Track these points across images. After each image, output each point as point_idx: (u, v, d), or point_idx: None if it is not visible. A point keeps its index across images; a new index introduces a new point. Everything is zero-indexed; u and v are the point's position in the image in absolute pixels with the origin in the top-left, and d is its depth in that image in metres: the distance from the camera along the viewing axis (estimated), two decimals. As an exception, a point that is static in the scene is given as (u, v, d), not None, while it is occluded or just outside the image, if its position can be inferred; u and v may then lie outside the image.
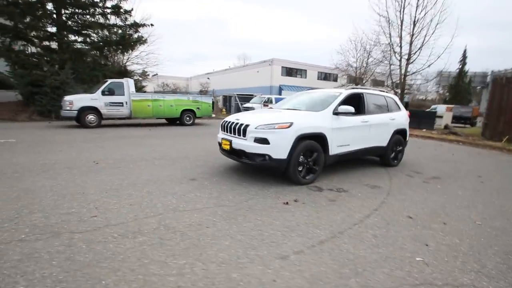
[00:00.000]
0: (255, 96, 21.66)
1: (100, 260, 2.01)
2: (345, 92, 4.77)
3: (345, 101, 4.62)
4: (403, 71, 17.14)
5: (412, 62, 16.77)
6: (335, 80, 33.97)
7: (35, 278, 1.77)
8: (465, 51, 38.05)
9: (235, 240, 2.40)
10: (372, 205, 3.42)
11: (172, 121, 12.91)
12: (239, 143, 4.01)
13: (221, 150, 4.68)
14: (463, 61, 38.49)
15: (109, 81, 10.62)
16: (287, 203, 3.33)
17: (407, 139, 6.02)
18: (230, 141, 4.13)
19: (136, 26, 16.52)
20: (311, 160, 4.11)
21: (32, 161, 4.71)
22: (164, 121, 13.29)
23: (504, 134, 10.40)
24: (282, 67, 30.18)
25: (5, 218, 2.57)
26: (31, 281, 1.75)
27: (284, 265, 2.07)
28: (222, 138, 4.40)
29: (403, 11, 15.96)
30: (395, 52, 17.20)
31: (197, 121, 13.25)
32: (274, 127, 3.80)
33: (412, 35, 16.16)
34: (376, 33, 18.51)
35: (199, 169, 4.73)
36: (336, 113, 4.37)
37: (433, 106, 33.51)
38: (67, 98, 9.82)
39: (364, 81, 27.87)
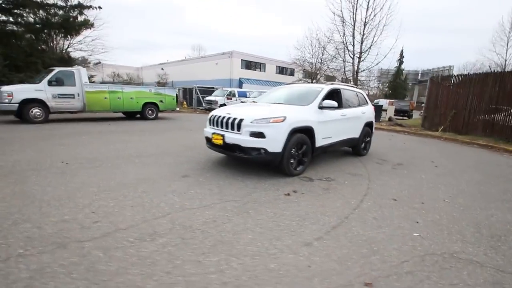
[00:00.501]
0: (217, 89, 21.27)
1: (128, 267, 1.88)
2: (326, 88, 5.07)
3: (327, 96, 4.92)
4: (355, 68, 18.61)
5: (363, 60, 18.32)
6: (292, 74, 35.20)
7: (63, 294, 1.59)
8: (402, 51, 42.82)
9: (256, 233, 2.45)
10: (360, 191, 3.78)
11: (130, 116, 12.00)
12: (233, 137, 4.00)
13: (209, 145, 4.60)
14: (400, 60, 43.40)
15: (57, 69, 9.34)
16: (288, 194, 3.47)
17: (373, 131, 6.68)
18: (223, 136, 4.09)
19: (80, 7, 14.71)
20: (301, 152, 4.32)
21: (-19, 164, 3.98)
22: (121, 115, 12.25)
23: (440, 124, 12.17)
24: (242, 60, 30.06)
25: (-15, 234, 2.18)
26: (60, 298, 1.56)
27: (312, 251, 2.21)
28: (212, 133, 4.31)
29: (356, 12, 17.28)
30: (348, 50, 18.56)
31: (160, 115, 12.54)
32: (269, 121, 3.88)
33: (363, 35, 17.61)
34: (331, 31, 19.72)
35: (186, 165, 4.57)
36: (321, 107, 4.64)
37: (376, 101, 37.40)
38: (5, 88, 8.37)
39: (318, 76, 29.49)
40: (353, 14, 17.33)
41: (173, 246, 2.16)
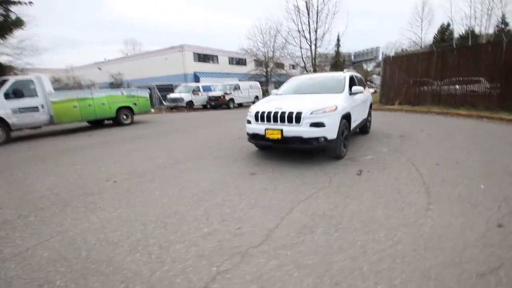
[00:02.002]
0: (180, 85, 20.23)
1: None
2: (347, 75, 5.53)
3: (350, 83, 5.38)
4: (313, 55, 19.78)
5: (319, 47, 19.57)
6: (244, 64, 35.32)
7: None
8: (338, 35, 46.52)
9: (383, 208, 2.76)
10: (405, 161, 4.37)
11: (97, 124, 10.78)
12: (292, 130, 4.16)
13: (256, 140, 4.68)
14: (338, 43, 47.23)
15: (11, 79, 7.83)
16: (359, 174, 3.86)
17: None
18: (281, 130, 4.21)
19: (6, 3, 12.26)
20: (343, 136, 4.72)
21: (17, 196, 3.36)
22: (83, 124, 10.91)
23: (395, 99, 13.99)
24: (194, 53, 28.83)
25: None
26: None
27: (436, 214, 2.63)
28: (265, 129, 4.38)
29: (310, 1, 18.19)
30: (305, 38, 19.55)
31: (136, 118, 11.57)
32: (325, 111, 4.15)
33: (317, 23, 18.73)
34: (286, 19, 20.42)
35: (237, 163, 4.57)
36: (351, 93, 5.08)
37: None
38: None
39: (271, 65, 30.31)
40: (307, 4, 18.22)
41: (342, 231, 2.34)
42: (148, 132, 8.70)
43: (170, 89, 21.49)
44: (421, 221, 2.50)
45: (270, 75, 30.07)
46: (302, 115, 4.11)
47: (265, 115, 4.44)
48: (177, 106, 18.00)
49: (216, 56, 31.87)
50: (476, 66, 10.92)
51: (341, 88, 5.08)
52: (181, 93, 18.05)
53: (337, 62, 47.62)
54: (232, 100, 18.38)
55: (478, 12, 44.88)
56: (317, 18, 18.61)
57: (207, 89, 19.59)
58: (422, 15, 44.49)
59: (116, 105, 10.34)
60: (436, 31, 46.36)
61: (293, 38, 20.55)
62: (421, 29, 46.62)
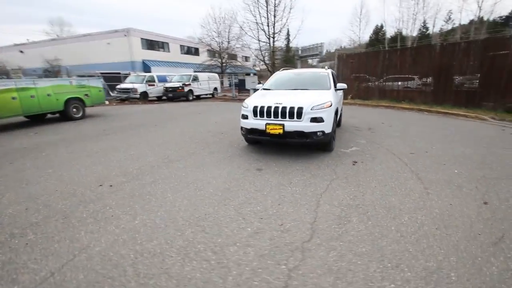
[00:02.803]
0: (130, 74, 18.43)
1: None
2: (329, 72, 5.87)
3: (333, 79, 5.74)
4: (271, 48, 20.14)
5: (277, 40, 20.00)
6: (197, 54, 33.96)
7: None
8: (288, 30, 48.07)
9: (400, 194, 3.13)
10: (386, 151, 4.94)
11: (36, 119, 9.21)
12: (294, 125, 4.29)
13: (254, 135, 4.70)
14: (288, 38, 48.87)
15: None
16: (355, 163, 4.23)
17: (340, 104, 8.09)
18: (283, 125, 4.30)
19: None
20: (333, 130, 5.06)
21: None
22: (26, 119, 9.25)
23: (348, 94, 15.31)
24: (142, 39, 26.35)
25: None
26: None
27: (436, 197, 3.10)
28: (266, 124, 4.41)
29: (267, -6, 18.32)
30: (264, 31, 19.72)
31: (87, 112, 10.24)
32: (323, 107, 4.39)
33: (275, 16, 19.06)
34: (244, 9, 20.22)
35: (237, 160, 4.52)
36: (336, 89, 5.44)
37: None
38: None
39: (225, 55, 29.81)
40: (265, -4, 18.33)
41: (374, 219, 2.58)
42: (112, 127, 7.82)
43: (118, 78, 19.47)
44: (428, 204, 2.92)
45: (225, 66, 29.57)
46: (303, 110, 4.27)
47: (265, 110, 4.47)
48: (129, 98, 16.45)
49: (167, 44, 29.84)
50: (415, 65, 12.66)
51: (328, 85, 5.40)
52: (133, 84, 16.51)
53: (287, 57, 49.50)
54: (191, 91, 17.62)
55: (405, 16, 51.32)
56: (274, 11, 18.93)
57: (162, 79, 18.34)
58: (360, 15, 48.91)
59: (64, 97, 8.97)
60: (371, 32, 51.61)
61: (251, 30, 20.55)
62: (359, 29, 51.28)
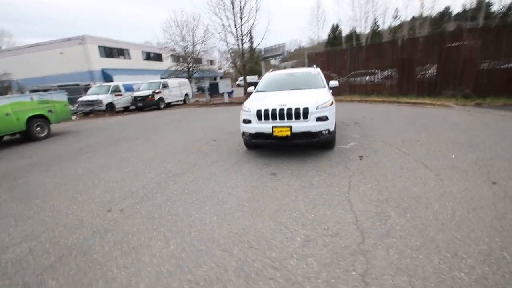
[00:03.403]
0: (93, 85, 17.04)
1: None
2: (318, 71, 5.99)
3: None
4: (241, 50, 20.08)
5: (244, 43, 19.98)
6: (160, 59, 32.66)
7: None
8: (250, 31, 48.42)
9: (420, 184, 3.26)
10: (382, 144, 5.16)
11: None
12: (301, 125, 4.28)
13: (257, 140, 4.58)
14: (251, 40, 49.24)
15: None
16: (361, 158, 4.35)
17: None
18: (290, 127, 4.26)
19: None
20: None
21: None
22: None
23: (321, 90, 15.85)
24: (100, 46, 24.50)
25: None
26: None
27: (451, 182, 3.30)
28: (273, 127, 4.33)
29: (232, -4, 18.23)
30: (232, 34, 19.58)
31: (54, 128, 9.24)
32: (326, 105, 4.44)
33: (241, 19, 19.04)
34: (208, 11, 19.90)
35: (245, 166, 4.38)
36: (329, 88, 5.55)
37: (240, 78, 42.46)
38: None
39: (191, 61, 29.03)
40: (230, -2, 18.22)
41: (409, 211, 2.65)
42: (88, 145, 7.12)
43: (76, 90, 17.94)
44: (448, 190, 3.08)
45: (192, 71, 28.83)
46: (309, 110, 4.27)
47: (270, 112, 4.39)
48: (93, 111, 15.21)
49: (128, 50, 28.20)
50: (380, 60, 13.53)
51: (322, 84, 5.50)
52: (98, 95, 15.30)
53: (252, 57, 49.89)
54: (162, 99, 16.84)
55: (358, 15, 54.74)
56: (241, 14, 18.90)
57: (128, 88, 17.28)
58: (317, 15, 51.11)
59: (25, 115, 7.97)
60: (329, 30, 54.21)
61: (218, 32, 20.27)
62: (318, 28, 53.57)
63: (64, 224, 2.91)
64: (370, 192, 3.15)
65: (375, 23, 48.76)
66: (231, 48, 21.29)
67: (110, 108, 15.75)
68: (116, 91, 16.16)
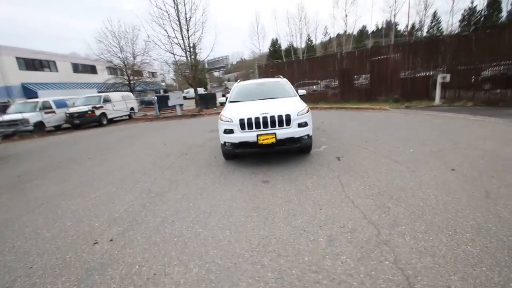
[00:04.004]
0: (11, 103, 14.37)
1: (426, 219, 2.60)
2: (286, 80, 6.29)
3: (291, 87, 6.18)
4: (190, 62, 19.64)
5: (193, 54, 19.65)
6: (94, 72, 29.68)
7: None
8: (193, 44, 47.89)
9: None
10: (352, 146, 5.68)
11: None
12: (285, 132, 4.41)
13: (241, 149, 4.55)
14: (195, 52, 48.67)
15: None
16: (339, 159, 4.70)
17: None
18: (275, 134, 4.35)
19: None
20: (306, 132, 5.45)
21: None
22: None
23: (273, 100, 16.57)
24: (18, 58, 20.86)
25: None
26: None
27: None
28: (257, 135, 4.35)
29: (178, 8, 17.84)
30: (179, 45, 19.04)
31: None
32: (304, 112, 4.68)
33: (188, 30, 18.75)
34: (150, 22, 19.04)
35: (232, 176, 4.28)
36: (299, 96, 5.87)
37: (185, 90, 41.64)
38: None
39: (131, 72, 27.18)
40: (175, 10, 17.80)
41: (407, 202, 2.96)
42: (29, 171, 5.94)
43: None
44: (422, 179, 3.55)
45: (134, 83, 26.92)
46: (291, 117, 4.44)
47: (253, 121, 4.41)
48: (18, 132, 12.85)
49: (54, 62, 24.77)
50: (324, 71, 14.90)
51: (292, 92, 5.78)
52: (22, 113, 13.00)
53: (196, 69, 49.25)
54: (104, 115, 15.24)
55: (293, 31, 59.22)
56: (187, 26, 18.61)
57: (61, 104, 15.18)
58: (257, 30, 53.71)
59: None
60: (269, 44, 57.32)
61: (163, 44, 19.47)
62: (258, 42, 56.17)
63: (42, 267, 2.37)
64: (362, 188, 3.41)
65: (309, 38, 53.60)
66: (178, 60, 20.64)
67: (39, 128, 13.52)
68: (46, 108, 13.99)
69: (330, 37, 56.72)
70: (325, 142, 6.05)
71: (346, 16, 45.49)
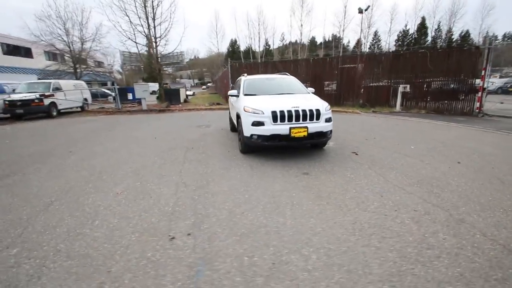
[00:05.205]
0: None
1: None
2: (294, 77, 6.43)
3: (299, 84, 6.35)
4: (155, 53, 18.31)
5: (158, 45, 18.40)
6: (29, 55, 25.37)
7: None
8: (147, 36, 44.65)
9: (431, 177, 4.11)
10: (356, 141, 6.11)
11: None
12: (315, 126, 4.53)
13: (271, 142, 4.52)
14: (157, 44, 45.39)
15: None
16: (356, 154, 5.03)
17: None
18: (307, 127, 4.44)
19: None
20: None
21: None
22: None
23: (245, 99, 16.61)
24: None
25: None
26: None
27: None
28: (290, 128, 4.37)
29: (144, -7, 16.48)
30: (144, 34, 17.59)
31: None
32: (329, 108, 4.88)
33: (154, 19, 17.49)
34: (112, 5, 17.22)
35: (267, 169, 4.21)
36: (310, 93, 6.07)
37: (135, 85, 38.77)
38: None
39: (76, 59, 24.06)
40: (142, -5, 16.41)
41: (445, 187, 3.36)
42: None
43: None
44: (441, 170, 4.07)
45: (81, 72, 23.83)
46: (321, 112, 4.59)
47: (286, 114, 4.42)
48: None
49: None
50: (296, 75, 15.51)
51: (304, 89, 5.95)
52: None
53: (150, 64, 45.99)
54: (54, 105, 13.16)
55: (252, 34, 60.10)
56: (153, 14, 17.36)
57: (-4, 90, 12.60)
58: (217, 29, 53.01)
59: None
60: (228, 44, 57.15)
61: (124, 31, 17.75)
62: (217, 41, 55.49)
63: (125, 269, 1.99)
64: (401, 178, 3.74)
65: (267, 43, 55.17)
66: (140, 50, 19.06)
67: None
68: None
69: (286, 44, 59.32)
70: (331, 140, 6.35)
71: (302, 25, 48.39)
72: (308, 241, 2.28)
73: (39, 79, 18.87)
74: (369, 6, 33.32)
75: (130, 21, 17.33)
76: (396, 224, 2.54)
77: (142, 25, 17.25)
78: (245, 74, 6.72)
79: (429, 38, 46.39)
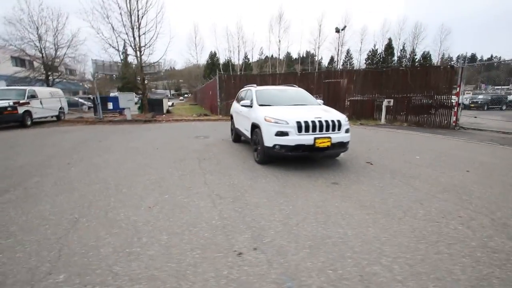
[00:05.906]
0: None
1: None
2: (302, 89, 6.56)
3: (308, 96, 6.49)
4: (140, 62, 17.75)
5: (143, 54, 17.90)
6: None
7: None
8: (124, 44, 43.37)
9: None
10: (365, 152, 6.32)
11: None
12: (337, 136, 4.62)
13: (295, 152, 4.52)
14: (125, 53, 43.96)
15: None
16: (371, 163, 5.19)
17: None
18: (330, 138, 4.50)
19: None
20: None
21: None
22: None
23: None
24: None
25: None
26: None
27: (451, 172, 4.63)
28: (315, 138, 4.40)
29: (130, 1, 16.10)
30: (130, 44, 17.06)
31: None
32: (347, 120, 5.02)
33: (139, 29, 17.08)
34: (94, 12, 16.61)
35: (296, 179, 4.17)
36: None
37: (111, 94, 37.25)
38: None
39: (48, 66, 22.60)
40: (127, 4, 16.00)
41: (466, 193, 3.56)
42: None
43: None
44: (456, 178, 4.32)
45: (53, 80, 22.33)
46: (342, 123, 4.70)
47: (310, 124, 4.46)
48: None
49: None
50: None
51: (314, 101, 6.08)
52: None
53: (128, 74, 44.43)
54: (28, 113, 12.10)
55: (231, 47, 61.01)
56: (139, 23, 16.96)
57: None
58: (196, 41, 53.03)
59: None
60: (208, 56, 57.27)
61: (106, 38, 17.04)
62: (196, 53, 55.39)
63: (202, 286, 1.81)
64: (427, 186, 3.90)
65: (246, 56, 56.19)
66: (122, 59, 18.40)
67: None
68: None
69: (264, 58, 60.82)
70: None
71: (280, 41, 50.14)
72: (381, 251, 2.26)
73: (7, 85, 17.32)
74: (345, 26, 35.62)
75: (113, 28, 16.74)
76: (451, 230, 2.62)
77: (126, 33, 16.71)
78: (255, 85, 6.72)
79: (395, 58, 50.42)
